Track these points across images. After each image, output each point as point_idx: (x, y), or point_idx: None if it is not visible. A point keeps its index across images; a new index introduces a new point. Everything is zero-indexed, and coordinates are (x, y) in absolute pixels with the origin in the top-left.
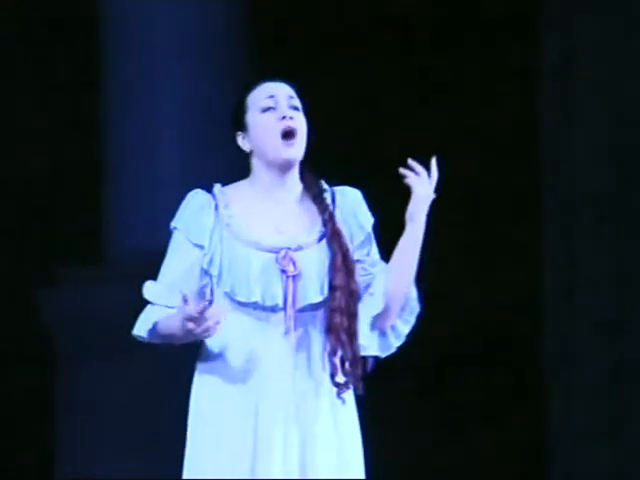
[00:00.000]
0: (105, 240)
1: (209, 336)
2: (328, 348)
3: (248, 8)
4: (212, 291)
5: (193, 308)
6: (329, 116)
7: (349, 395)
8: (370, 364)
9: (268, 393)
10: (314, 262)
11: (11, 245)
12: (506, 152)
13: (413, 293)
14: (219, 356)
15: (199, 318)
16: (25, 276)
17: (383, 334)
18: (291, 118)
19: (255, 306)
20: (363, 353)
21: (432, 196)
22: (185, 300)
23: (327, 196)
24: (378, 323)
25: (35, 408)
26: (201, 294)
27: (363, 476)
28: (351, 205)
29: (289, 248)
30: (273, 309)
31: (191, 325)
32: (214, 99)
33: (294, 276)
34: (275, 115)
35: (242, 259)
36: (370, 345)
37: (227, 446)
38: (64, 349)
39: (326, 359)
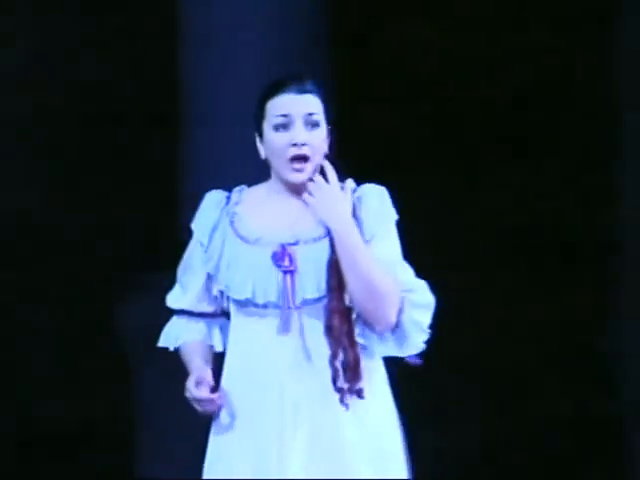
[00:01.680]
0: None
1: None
2: (329, 352)
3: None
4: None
5: (200, 394)
6: None
7: (353, 401)
8: (417, 360)
9: (268, 399)
10: (313, 258)
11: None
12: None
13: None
14: (231, 362)
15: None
16: (104, 284)
17: (381, 337)
18: (303, 145)
19: (250, 303)
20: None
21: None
22: (197, 384)
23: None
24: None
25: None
26: (210, 294)
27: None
28: (371, 202)
29: (288, 243)
30: (267, 306)
31: (195, 405)
32: None
33: (291, 271)
34: (287, 138)
35: (238, 255)
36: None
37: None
38: (140, 358)
39: (326, 363)
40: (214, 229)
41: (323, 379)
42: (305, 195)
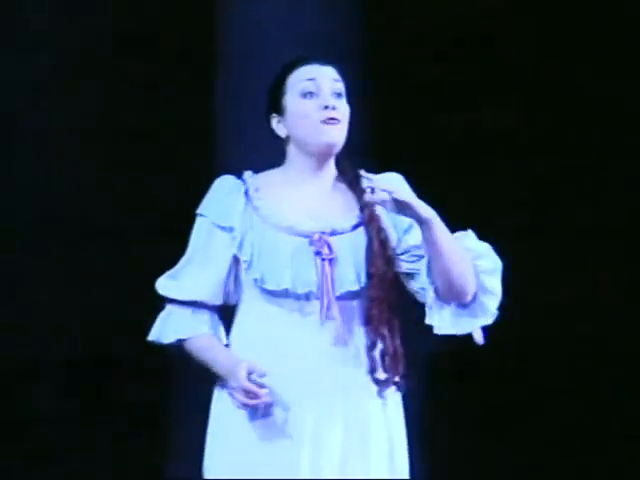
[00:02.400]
0: None
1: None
2: (367, 341)
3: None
4: (238, 281)
5: (251, 386)
6: None
7: (391, 393)
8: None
9: (304, 391)
10: (350, 248)
11: None
12: None
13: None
14: (249, 352)
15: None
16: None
17: (456, 312)
18: (334, 108)
19: (287, 294)
20: (438, 332)
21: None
22: (250, 373)
23: (365, 182)
24: (444, 298)
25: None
26: (232, 286)
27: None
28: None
29: (323, 232)
30: (307, 297)
31: (240, 396)
32: None
33: (330, 260)
34: (317, 103)
35: (272, 244)
36: (441, 324)
37: (258, 449)
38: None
39: (364, 353)
40: (242, 214)
41: (359, 371)
42: (377, 192)
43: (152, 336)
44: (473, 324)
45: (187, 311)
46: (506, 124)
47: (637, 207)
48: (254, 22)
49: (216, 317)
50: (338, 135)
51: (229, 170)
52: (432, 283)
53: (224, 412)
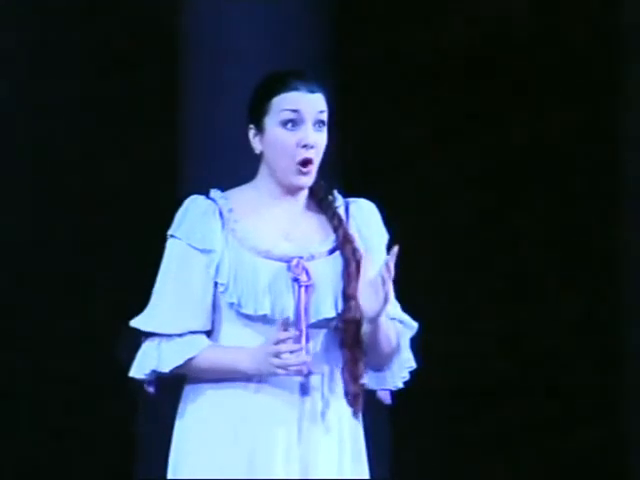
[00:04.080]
0: None
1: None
2: (342, 364)
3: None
4: (215, 304)
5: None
6: None
7: (357, 416)
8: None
9: (273, 416)
10: (328, 273)
11: None
12: None
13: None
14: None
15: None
16: None
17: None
18: (312, 147)
19: (264, 320)
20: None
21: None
22: (285, 324)
23: (338, 203)
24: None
25: None
26: (210, 307)
27: None
28: (367, 216)
29: (301, 257)
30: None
31: (278, 361)
32: None
33: (307, 286)
34: (297, 137)
35: (250, 268)
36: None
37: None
38: None
39: (338, 377)
40: (219, 236)
41: (333, 396)
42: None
43: (140, 371)
44: (383, 384)
45: (181, 339)
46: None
47: None
48: (222, 39)
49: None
50: (308, 181)
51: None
52: None
53: (191, 412)
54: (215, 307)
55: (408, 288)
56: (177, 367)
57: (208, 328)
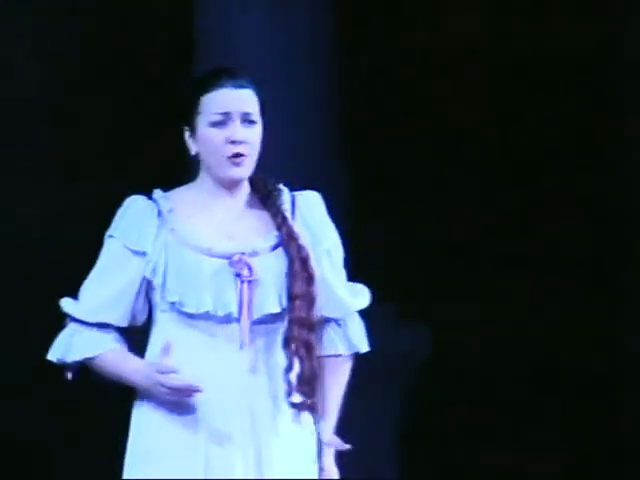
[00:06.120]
0: None
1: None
2: (284, 364)
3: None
4: (148, 304)
5: (174, 381)
6: None
7: (306, 416)
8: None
9: (221, 416)
10: (271, 269)
11: None
12: None
13: None
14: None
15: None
16: None
17: None
18: (241, 143)
19: (206, 317)
20: None
21: None
22: (166, 350)
23: (282, 198)
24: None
25: None
26: (139, 309)
27: None
28: (313, 207)
29: (243, 253)
30: (226, 319)
31: (163, 390)
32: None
33: (250, 281)
34: (224, 134)
35: (191, 266)
36: None
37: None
38: None
39: (282, 378)
40: (156, 237)
41: (276, 396)
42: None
43: (53, 355)
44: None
45: (93, 330)
46: None
47: None
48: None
49: (121, 335)
50: (244, 172)
51: None
52: None
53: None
54: (148, 307)
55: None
56: (77, 362)
57: (123, 325)
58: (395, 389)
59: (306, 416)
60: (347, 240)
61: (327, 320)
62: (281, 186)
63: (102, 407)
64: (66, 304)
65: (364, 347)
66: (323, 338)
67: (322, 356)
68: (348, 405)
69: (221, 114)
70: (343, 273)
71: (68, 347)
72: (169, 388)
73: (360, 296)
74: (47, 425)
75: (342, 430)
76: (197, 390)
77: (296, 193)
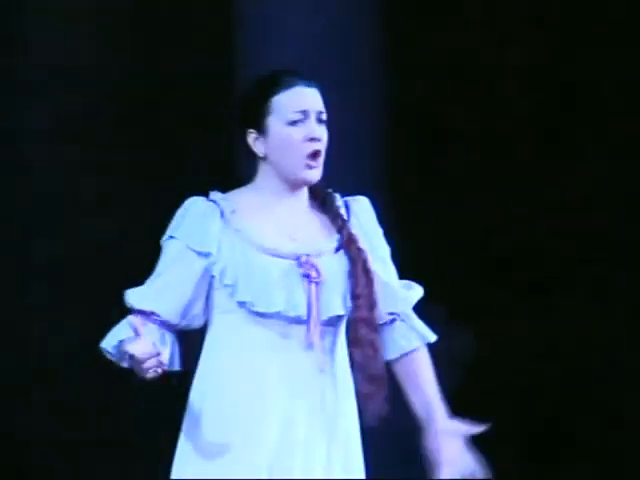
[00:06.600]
0: None
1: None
2: (354, 363)
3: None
4: (210, 307)
5: (136, 347)
6: None
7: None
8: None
9: (287, 415)
10: (336, 270)
11: None
12: None
13: None
14: (230, 375)
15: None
16: None
17: None
18: (319, 140)
19: (277, 317)
20: None
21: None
22: (135, 331)
23: (339, 204)
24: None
25: None
26: (195, 310)
27: None
28: (367, 213)
29: (309, 254)
30: (296, 320)
31: (132, 364)
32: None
33: (317, 283)
34: (303, 132)
35: (259, 266)
36: None
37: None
38: None
39: (350, 376)
40: (221, 238)
41: (343, 396)
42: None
43: (104, 343)
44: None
45: (136, 317)
46: None
47: None
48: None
49: (166, 334)
50: (317, 174)
51: None
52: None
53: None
54: (212, 310)
55: None
56: (109, 352)
57: (173, 320)
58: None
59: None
60: (396, 243)
61: (391, 320)
62: (333, 192)
63: (102, 407)
64: (128, 292)
65: (432, 336)
66: (395, 337)
67: (403, 355)
68: (391, 405)
69: (299, 112)
70: (395, 273)
71: (111, 335)
72: (131, 357)
73: (414, 288)
74: (47, 425)
75: (383, 433)
76: (158, 357)
77: (348, 198)
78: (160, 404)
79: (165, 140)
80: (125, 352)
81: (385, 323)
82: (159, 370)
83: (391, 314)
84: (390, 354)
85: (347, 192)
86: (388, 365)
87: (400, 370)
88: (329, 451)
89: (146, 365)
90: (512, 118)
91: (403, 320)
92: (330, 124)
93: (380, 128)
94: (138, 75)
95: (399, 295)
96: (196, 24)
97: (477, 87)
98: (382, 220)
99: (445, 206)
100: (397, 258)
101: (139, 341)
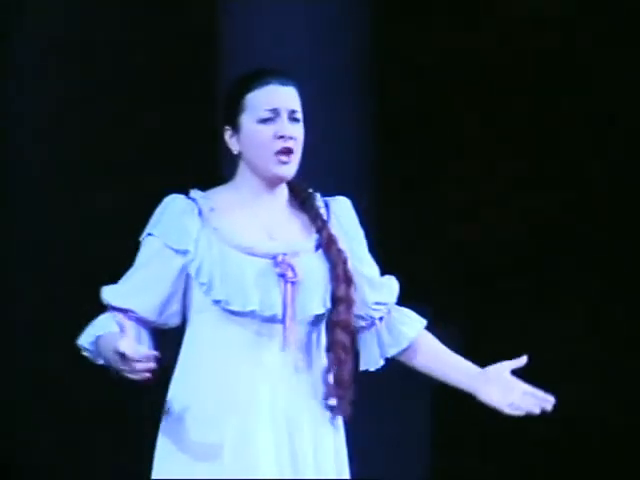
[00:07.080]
0: None
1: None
2: (326, 367)
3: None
4: (187, 307)
5: (129, 346)
6: None
7: (340, 420)
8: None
9: (258, 413)
10: (313, 270)
11: None
12: None
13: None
14: (206, 373)
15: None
16: None
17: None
18: (290, 138)
19: (251, 316)
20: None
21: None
22: (122, 328)
23: (319, 203)
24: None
25: None
26: (171, 308)
27: None
28: (347, 213)
29: (285, 253)
30: (271, 319)
31: (120, 363)
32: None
33: (293, 282)
34: (273, 129)
35: (235, 265)
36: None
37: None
38: None
39: (321, 379)
40: (198, 236)
41: (315, 398)
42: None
43: (81, 340)
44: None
45: (113, 314)
46: None
47: None
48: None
49: (142, 331)
50: (290, 170)
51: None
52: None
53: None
54: (190, 308)
55: None
56: (85, 349)
57: (150, 317)
58: (427, 388)
59: (340, 420)
60: (377, 243)
61: (380, 317)
62: (313, 191)
63: (102, 407)
64: (104, 289)
65: (424, 320)
66: (398, 328)
67: (413, 342)
68: (381, 405)
69: (269, 110)
70: (377, 269)
71: (87, 331)
72: (122, 356)
73: (393, 280)
74: (47, 425)
75: (374, 429)
76: (152, 359)
77: (329, 199)
78: (160, 404)
79: (150, 139)
80: (115, 351)
81: (377, 320)
82: (149, 375)
83: (377, 304)
84: (399, 344)
85: (329, 192)
86: (402, 359)
87: (416, 355)
88: (307, 446)
89: (139, 366)
90: (501, 118)
91: (394, 311)
92: (313, 123)
93: (364, 130)
94: (123, 74)
95: (384, 286)
96: (181, 23)
97: (469, 87)
98: (363, 221)
99: (429, 207)
100: (378, 258)
101: (127, 339)
